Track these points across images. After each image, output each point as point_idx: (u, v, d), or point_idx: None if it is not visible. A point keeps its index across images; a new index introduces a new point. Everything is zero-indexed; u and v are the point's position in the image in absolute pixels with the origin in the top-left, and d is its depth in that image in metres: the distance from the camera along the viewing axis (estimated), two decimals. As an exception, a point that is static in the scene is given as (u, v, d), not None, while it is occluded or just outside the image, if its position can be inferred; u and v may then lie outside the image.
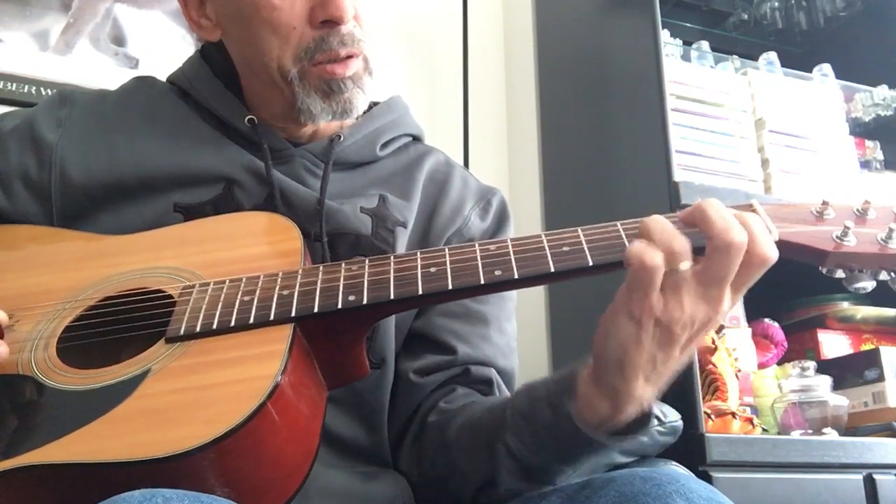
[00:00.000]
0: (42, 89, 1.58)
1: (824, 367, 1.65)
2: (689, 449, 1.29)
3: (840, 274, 0.73)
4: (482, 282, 0.71)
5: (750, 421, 1.47)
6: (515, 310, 1.02)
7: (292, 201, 0.91)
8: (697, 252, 0.66)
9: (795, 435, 1.49)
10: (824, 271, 0.73)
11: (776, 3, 2.15)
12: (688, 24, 2.08)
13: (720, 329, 1.56)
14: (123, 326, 0.77)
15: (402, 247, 0.94)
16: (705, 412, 1.39)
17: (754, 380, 1.64)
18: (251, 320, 0.72)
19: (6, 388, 0.72)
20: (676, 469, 0.98)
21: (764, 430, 1.51)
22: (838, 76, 1.91)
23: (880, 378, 1.62)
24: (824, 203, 0.73)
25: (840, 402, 1.53)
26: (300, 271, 0.76)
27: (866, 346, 1.80)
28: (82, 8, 1.66)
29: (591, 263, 0.70)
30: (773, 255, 0.67)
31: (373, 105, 1.03)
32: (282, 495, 0.68)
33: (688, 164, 1.59)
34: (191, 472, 0.61)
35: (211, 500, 0.59)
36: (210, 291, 0.76)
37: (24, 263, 0.87)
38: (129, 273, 0.81)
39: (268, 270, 0.77)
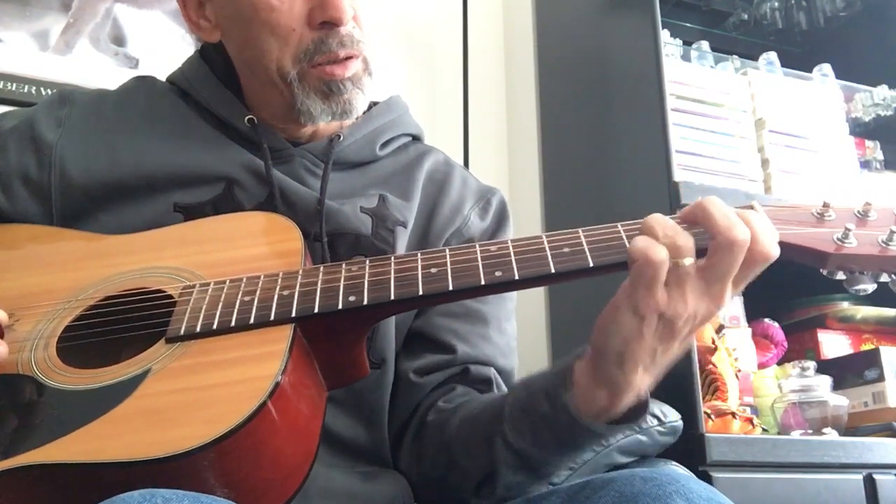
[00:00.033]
0: (42, 89, 1.58)
1: (824, 367, 1.65)
2: (689, 449, 1.30)
3: (841, 275, 0.73)
4: (483, 282, 0.71)
5: (750, 421, 1.47)
6: (515, 310, 1.02)
7: (292, 201, 0.91)
8: (698, 251, 0.66)
9: (795, 435, 1.49)
10: (825, 273, 0.73)
11: (776, 3, 2.15)
12: (688, 24, 2.08)
13: (720, 329, 1.56)
14: (123, 326, 0.77)
15: (402, 247, 0.94)
16: (705, 412, 1.39)
17: (754, 380, 1.64)
18: (251, 320, 0.72)
19: (6, 388, 0.72)
20: (676, 469, 0.98)
21: (764, 430, 1.51)
22: (838, 76, 1.91)
23: (880, 378, 1.62)
24: (825, 205, 0.73)
25: (840, 402, 1.53)
26: (301, 272, 0.76)
27: (866, 346, 1.81)
28: (82, 8, 1.66)
29: (591, 264, 0.70)
30: (775, 252, 0.67)
31: (372, 105, 1.03)
32: (282, 495, 0.68)
33: (688, 164, 1.59)
34: (191, 473, 0.61)
35: (211, 500, 0.59)
36: (210, 291, 0.76)
37: (24, 263, 0.87)
38: (129, 273, 0.81)
39: (268, 270, 0.77)
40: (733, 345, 1.58)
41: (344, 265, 0.76)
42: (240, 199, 0.91)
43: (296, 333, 0.70)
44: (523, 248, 0.72)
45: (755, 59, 1.86)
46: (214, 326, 0.72)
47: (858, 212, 0.73)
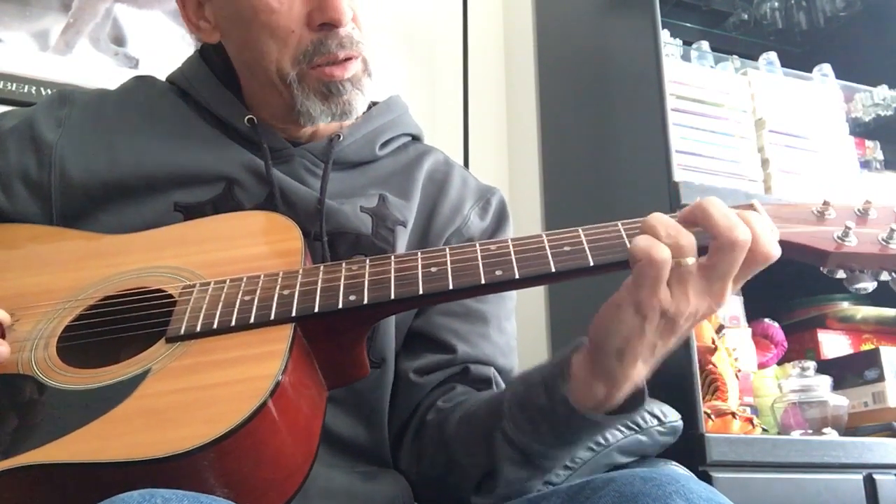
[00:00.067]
0: (42, 89, 1.58)
1: (824, 367, 1.65)
2: (689, 449, 1.30)
3: (841, 274, 0.73)
4: (483, 282, 0.71)
5: (750, 421, 1.47)
6: (515, 309, 1.03)
7: (292, 201, 0.91)
8: (699, 249, 0.67)
9: (795, 435, 1.49)
10: (825, 272, 0.73)
11: (776, 3, 2.15)
12: (688, 24, 2.08)
13: (720, 329, 1.56)
14: (123, 326, 0.77)
15: (402, 246, 0.94)
16: (705, 412, 1.39)
17: (754, 380, 1.64)
18: (252, 320, 0.72)
19: (6, 388, 0.72)
20: (676, 469, 0.98)
21: (764, 430, 1.51)
22: (838, 76, 1.91)
23: (880, 378, 1.62)
24: (825, 203, 0.73)
25: (840, 402, 1.53)
26: (301, 271, 0.76)
27: (866, 346, 1.81)
28: (82, 8, 1.66)
29: (591, 263, 0.70)
30: (776, 252, 0.68)
31: (372, 105, 1.03)
32: (282, 495, 0.68)
33: (688, 164, 1.59)
34: (190, 473, 0.61)
35: (210, 500, 0.59)
36: (210, 291, 0.76)
37: (24, 263, 0.87)
38: (129, 272, 0.81)
39: (268, 270, 0.77)
40: (733, 345, 1.58)
41: (344, 264, 0.76)
42: (240, 199, 0.91)
43: (296, 333, 0.70)
44: (523, 247, 0.72)
45: (755, 59, 1.86)
46: (214, 326, 0.72)
47: (858, 210, 0.73)
